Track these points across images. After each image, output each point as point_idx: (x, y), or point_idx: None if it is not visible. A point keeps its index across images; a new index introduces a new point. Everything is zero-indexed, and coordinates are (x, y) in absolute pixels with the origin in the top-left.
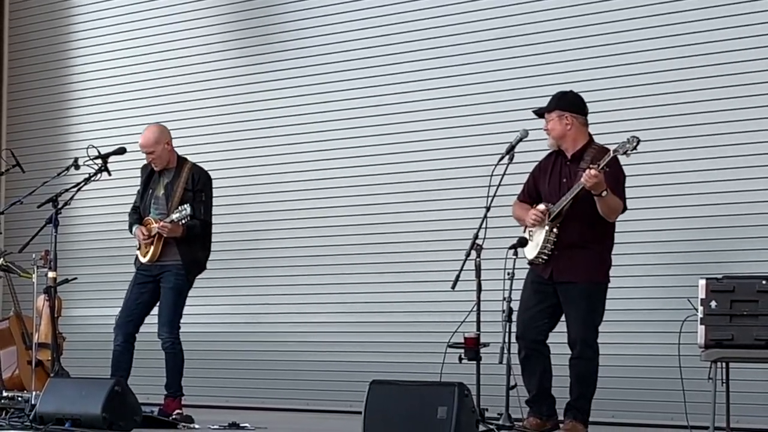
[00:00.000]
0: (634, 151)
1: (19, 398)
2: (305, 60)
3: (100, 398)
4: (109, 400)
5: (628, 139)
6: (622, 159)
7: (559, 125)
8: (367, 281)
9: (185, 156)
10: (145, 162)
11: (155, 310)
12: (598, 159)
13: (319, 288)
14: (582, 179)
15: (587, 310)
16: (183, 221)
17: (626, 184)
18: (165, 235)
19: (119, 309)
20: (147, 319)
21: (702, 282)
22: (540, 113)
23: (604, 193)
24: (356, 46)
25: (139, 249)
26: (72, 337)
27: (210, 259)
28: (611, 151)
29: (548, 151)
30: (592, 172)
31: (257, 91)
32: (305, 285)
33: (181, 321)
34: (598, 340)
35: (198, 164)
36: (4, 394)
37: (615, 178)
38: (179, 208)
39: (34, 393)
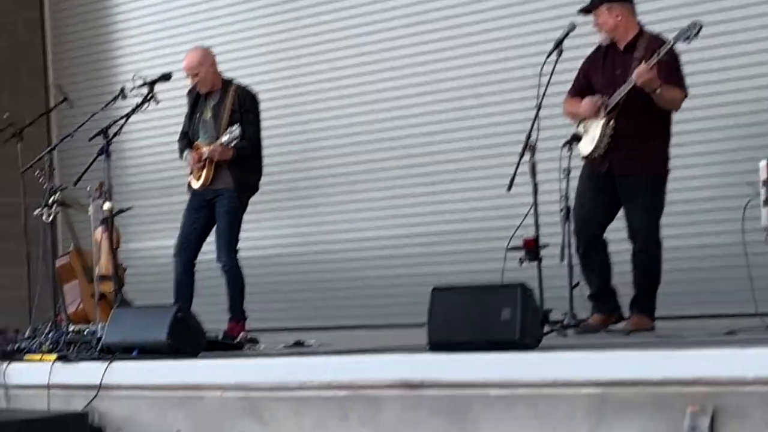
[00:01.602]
0: (696, 37)
1: (85, 331)
2: None
3: (165, 325)
4: (173, 326)
5: (690, 24)
6: (682, 46)
7: (610, 18)
8: (421, 192)
9: (231, 78)
10: (190, 87)
11: (212, 236)
12: (654, 47)
13: (374, 202)
14: (633, 77)
15: (648, 203)
16: (233, 143)
17: (683, 70)
18: (216, 159)
19: (176, 237)
20: (206, 247)
21: (762, 163)
22: (587, 10)
23: (658, 91)
24: None
25: (191, 174)
26: (132, 269)
27: (265, 180)
28: (670, 40)
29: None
30: (642, 68)
31: (304, 7)
32: (361, 201)
33: (241, 245)
34: (660, 232)
35: (243, 85)
36: (71, 328)
37: (669, 68)
38: (228, 129)
39: (99, 325)
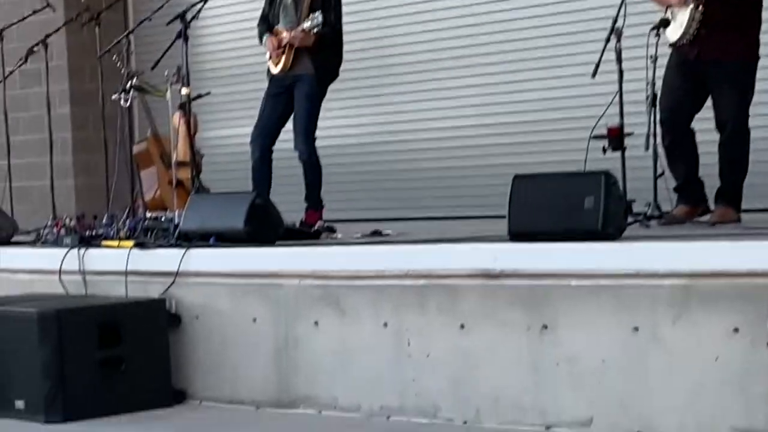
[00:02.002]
0: None
1: (163, 218)
2: None
3: (242, 212)
4: (251, 213)
5: None
6: None
7: None
8: (503, 80)
9: None
10: None
11: (290, 124)
12: None
13: (455, 91)
14: None
15: (737, 90)
16: (314, 30)
17: None
18: (296, 45)
19: (254, 124)
20: (283, 135)
21: None
22: None
23: None
24: None
25: (269, 60)
26: (210, 156)
27: (344, 68)
28: None
29: None
30: None
31: None
32: (442, 89)
33: (319, 134)
34: (749, 121)
35: None
36: (148, 214)
37: None
38: (310, 16)
39: (176, 212)
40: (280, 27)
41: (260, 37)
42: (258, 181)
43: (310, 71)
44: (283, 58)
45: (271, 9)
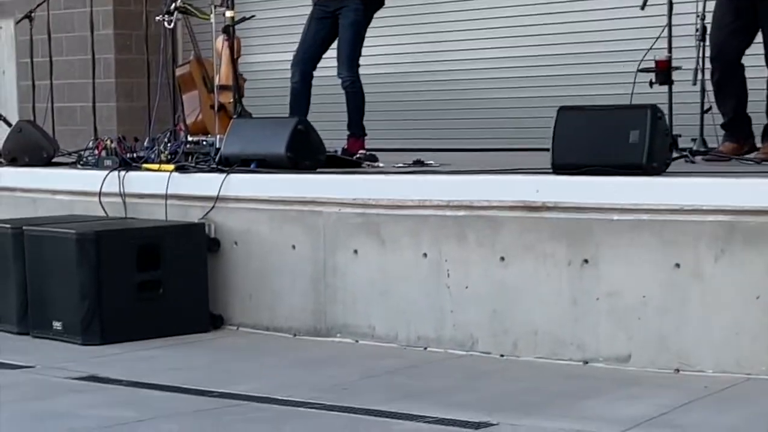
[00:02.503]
0: None
1: (204, 142)
2: None
3: (284, 137)
4: (293, 139)
5: None
6: None
7: None
8: (549, 11)
9: None
10: None
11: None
12: None
13: (501, 21)
14: None
15: None
16: None
17: None
18: None
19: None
20: (327, 61)
21: None
22: None
23: None
24: None
25: None
26: (252, 82)
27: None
28: None
29: None
30: None
31: None
32: (487, 19)
33: (363, 61)
34: None
35: None
36: (189, 138)
37: None
38: None
39: (218, 136)
40: None
41: None
42: (296, 105)
43: None
44: None
45: None
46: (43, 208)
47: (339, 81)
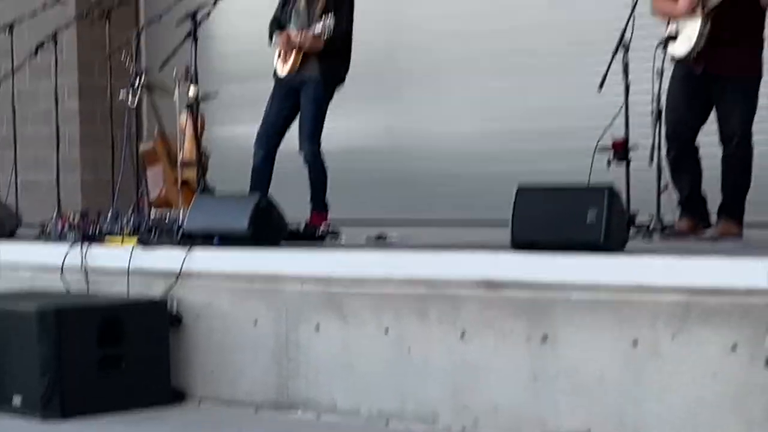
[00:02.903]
0: None
1: (167, 217)
2: None
3: (247, 213)
4: (255, 215)
5: None
6: None
7: None
8: (510, 87)
9: None
10: None
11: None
12: None
13: (461, 97)
14: None
15: (742, 105)
16: (325, 33)
17: None
18: (305, 48)
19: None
20: (290, 135)
21: None
22: None
23: None
24: None
25: (277, 60)
26: (217, 155)
27: (353, 71)
28: None
29: None
30: None
31: None
32: (448, 95)
33: (326, 135)
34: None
35: None
36: (152, 213)
37: None
38: (322, 19)
39: (181, 211)
40: (290, 29)
41: (270, 38)
42: (257, 181)
43: (317, 74)
44: (291, 59)
45: (283, 11)
46: (4, 282)
47: (301, 156)
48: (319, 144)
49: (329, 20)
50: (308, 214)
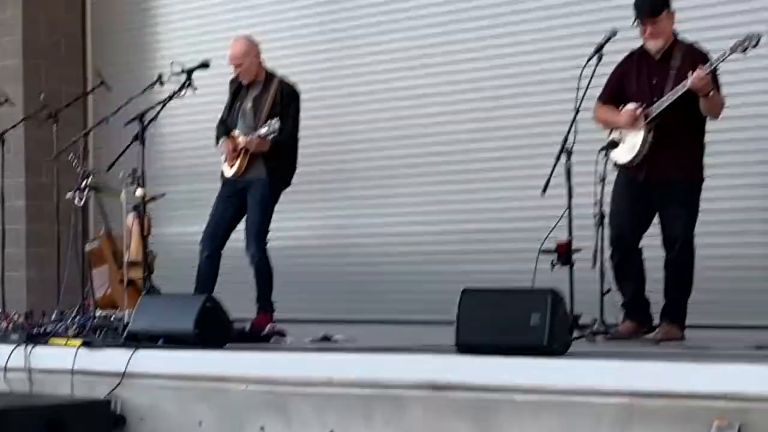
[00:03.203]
0: (755, 48)
1: (112, 317)
2: None
3: (193, 314)
4: (201, 316)
5: (747, 35)
6: (735, 56)
7: (669, 26)
8: (456, 189)
9: (274, 71)
10: (232, 76)
11: (242, 226)
12: (693, 57)
13: (407, 198)
14: (690, 82)
15: (684, 210)
16: (270, 137)
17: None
18: (251, 150)
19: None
20: (236, 235)
21: None
22: (652, 15)
23: (711, 93)
24: None
25: (224, 162)
26: (162, 255)
27: (299, 171)
28: (727, 49)
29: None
30: (702, 74)
31: (348, 5)
32: (394, 196)
33: (272, 236)
34: (694, 240)
35: (286, 79)
36: (98, 313)
37: (714, 75)
38: (268, 122)
39: (126, 311)
40: (237, 131)
41: (217, 140)
42: (202, 281)
43: (263, 176)
44: (238, 162)
45: (230, 113)
46: None
47: (247, 256)
48: (265, 244)
49: (275, 123)
50: (254, 313)
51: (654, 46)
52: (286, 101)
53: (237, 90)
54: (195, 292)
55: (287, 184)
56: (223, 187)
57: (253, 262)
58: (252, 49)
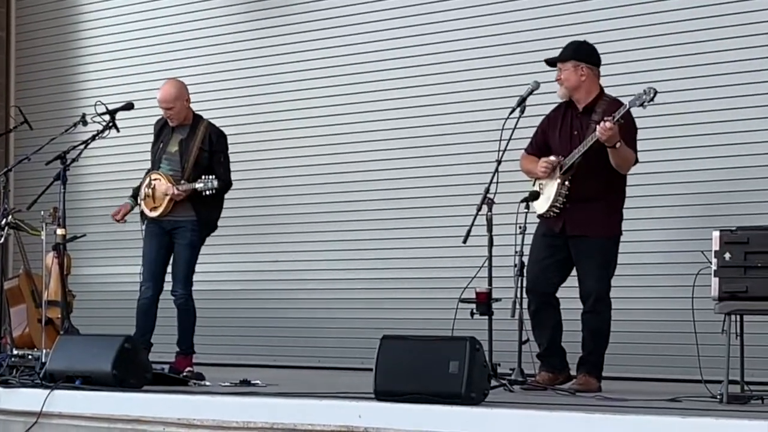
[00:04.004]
0: (651, 102)
1: (30, 356)
2: (317, 23)
3: (111, 355)
4: (119, 357)
5: (644, 90)
6: (637, 111)
7: (574, 75)
8: (377, 237)
9: (201, 114)
10: (158, 117)
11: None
12: (612, 111)
13: (328, 245)
14: (596, 132)
15: (600, 264)
16: (207, 192)
17: (639, 136)
18: (178, 200)
19: (140, 264)
20: None
21: (716, 234)
22: (552, 62)
23: (618, 144)
24: (363, 10)
25: (143, 202)
26: (82, 295)
27: (223, 216)
28: (626, 103)
29: (558, 103)
30: (608, 125)
31: (270, 52)
32: (315, 242)
33: (198, 276)
34: (611, 294)
35: (213, 123)
36: (15, 352)
37: (627, 129)
38: (204, 178)
39: (44, 351)
40: (161, 173)
41: (135, 196)
42: (145, 320)
43: (192, 218)
44: (163, 206)
45: (153, 154)
46: None
47: (173, 297)
48: (191, 286)
49: (213, 181)
50: (174, 356)
51: (560, 93)
52: (216, 147)
53: (161, 129)
54: (137, 332)
55: (214, 228)
56: (149, 225)
57: (177, 304)
58: (183, 92)
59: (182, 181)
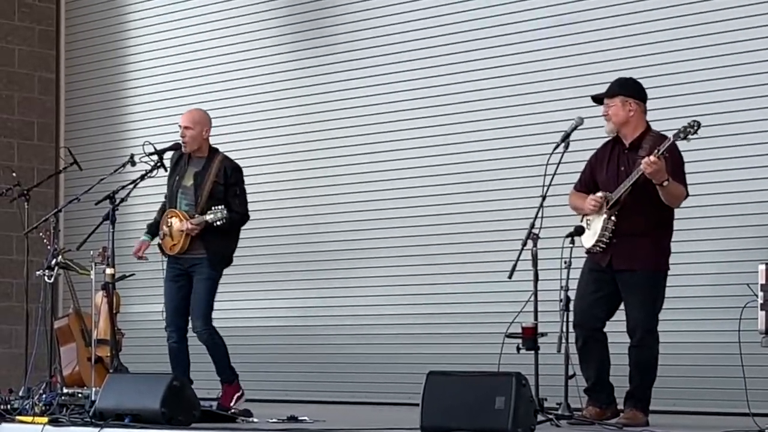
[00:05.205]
0: (695, 135)
1: (79, 395)
2: (356, 55)
3: (159, 393)
4: (168, 395)
5: (688, 123)
6: (682, 144)
7: (622, 111)
8: (423, 272)
9: (217, 148)
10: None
11: None
12: (657, 146)
13: (375, 281)
14: (641, 166)
15: (647, 298)
16: (218, 223)
17: (686, 170)
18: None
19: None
20: None
21: (762, 267)
22: (600, 99)
23: (666, 183)
24: (407, 38)
25: (161, 241)
26: (130, 333)
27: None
28: (670, 137)
29: (605, 139)
30: (651, 159)
31: (311, 92)
32: (362, 278)
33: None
34: (658, 328)
35: (228, 156)
36: (65, 390)
37: (675, 164)
38: (214, 209)
39: (93, 389)
40: (179, 211)
41: (152, 231)
42: (177, 363)
43: (205, 255)
44: (181, 242)
45: (169, 189)
46: None
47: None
48: (211, 320)
49: (222, 212)
50: (220, 387)
51: (607, 128)
52: (231, 180)
53: (177, 163)
54: (172, 373)
55: (230, 262)
56: (169, 267)
57: (202, 340)
58: (205, 120)
59: (195, 215)
